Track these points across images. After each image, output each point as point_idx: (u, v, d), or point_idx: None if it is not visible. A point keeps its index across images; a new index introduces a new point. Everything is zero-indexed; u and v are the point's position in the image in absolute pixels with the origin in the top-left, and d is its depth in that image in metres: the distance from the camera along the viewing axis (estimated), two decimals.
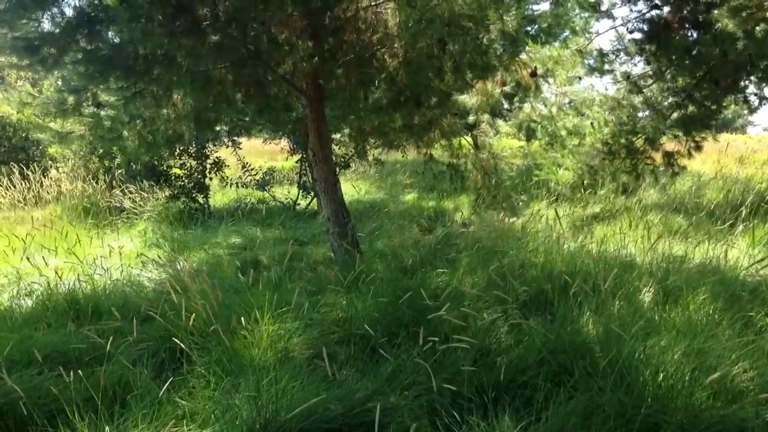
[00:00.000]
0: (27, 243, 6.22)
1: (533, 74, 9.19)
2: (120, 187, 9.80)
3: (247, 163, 11.30)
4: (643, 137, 8.06)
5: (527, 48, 8.09)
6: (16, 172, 10.04)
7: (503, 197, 9.47)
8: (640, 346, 3.38)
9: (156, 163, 10.54)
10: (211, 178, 10.89)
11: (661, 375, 3.10)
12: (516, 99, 11.98)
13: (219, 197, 12.01)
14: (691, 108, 7.86)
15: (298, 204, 11.14)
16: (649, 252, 5.39)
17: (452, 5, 4.85)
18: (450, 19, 4.92)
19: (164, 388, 3.10)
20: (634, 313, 3.90)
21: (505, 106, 12.44)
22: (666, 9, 7.69)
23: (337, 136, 10.67)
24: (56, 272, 5.05)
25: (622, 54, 8.25)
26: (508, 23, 5.37)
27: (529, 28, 5.96)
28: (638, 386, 3.02)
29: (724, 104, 8.13)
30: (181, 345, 3.49)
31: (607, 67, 8.44)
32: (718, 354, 3.28)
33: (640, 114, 8.32)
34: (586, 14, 8.49)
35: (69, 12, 4.58)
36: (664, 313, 4.03)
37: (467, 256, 5.53)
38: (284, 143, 12.15)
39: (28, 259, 5.66)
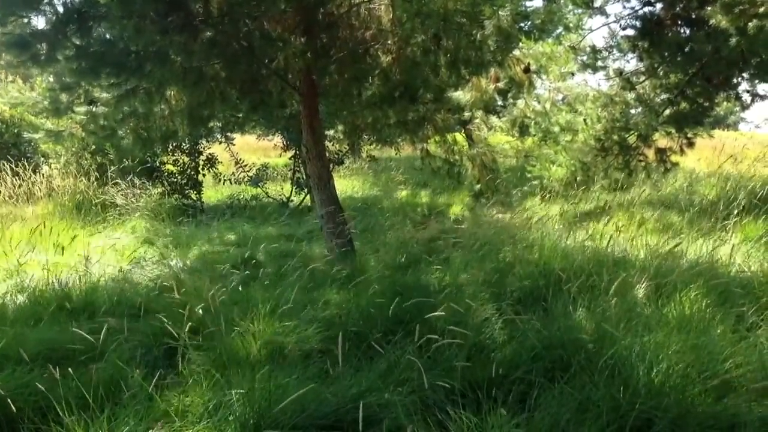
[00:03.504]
0: (19, 239, 6.19)
1: (527, 70, 9.20)
2: (113, 183, 9.75)
3: (240, 159, 11.27)
4: (636, 134, 8.08)
5: (521, 44, 8.10)
6: (8, 169, 9.96)
7: (502, 190, 9.48)
8: (634, 342, 3.39)
9: (149, 159, 10.49)
10: (204, 175, 10.86)
11: (655, 371, 3.11)
12: (510, 95, 11.98)
13: (212, 194, 11.97)
14: (683, 105, 7.89)
15: (292, 200, 11.12)
16: (642, 248, 5.40)
17: (447, 1, 4.85)
18: (445, 14, 4.92)
19: (156, 385, 3.09)
20: (627, 309, 3.91)
21: (499, 102, 12.44)
22: (659, 6, 7.71)
23: (331, 132, 10.66)
24: (49, 269, 5.03)
25: (615, 50, 8.27)
26: (502, 19, 5.37)
27: (522, 25, 5.96)
28: (632, 382, 3.02)
29: (717, 101, 8.16)
30: (175, 342, 3.47)
31: (600, 63, 8.46)
32: (711, 350, 3.29)
33: (632, 110, 8.34)
34: (579, 11, 8.52)
35: (60, 8, 4.55)
36: (657, 309, 4.04)
37: (461, 253, 5.53)
38: (278, 140, 12.13)
39: (20, 255, 5.63)
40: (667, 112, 7.90)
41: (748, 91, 8.31)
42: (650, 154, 8.30)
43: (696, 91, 7.77)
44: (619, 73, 8.31)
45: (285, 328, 3.87)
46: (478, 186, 9.86)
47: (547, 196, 8.89)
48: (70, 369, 3.07)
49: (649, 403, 2.88)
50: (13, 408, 2.83)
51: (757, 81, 8.11)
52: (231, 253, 6.67)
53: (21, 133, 11.92)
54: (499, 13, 5.38)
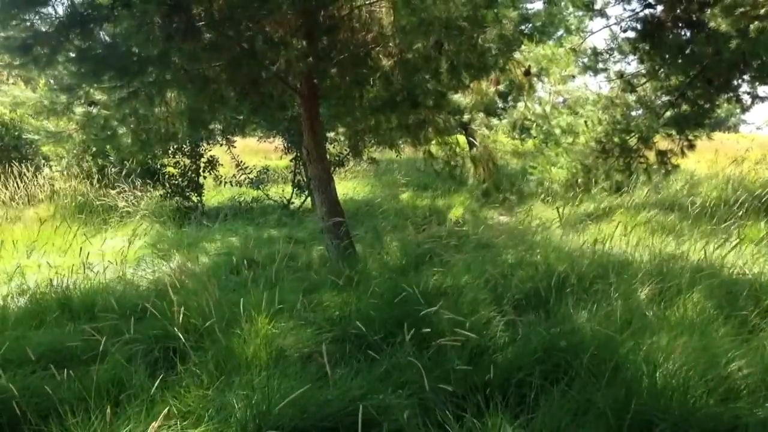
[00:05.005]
0: (20, 241, 6.19)
1: (527, 73, 9.22)
2: (114, 186, 9.75)
3: (241, 161, 11.28)
4: (637, 136, 8.08)
5: (522, 46, 8.10)
6: (9, 171, 9.97)
7: (508, 187, 9.48)
8: (636, 344, 3.38)
9: (150, 161, 10.50)
10: (205, 177, 10.86)
11: (657, 373, 3.10)
12: (510, 98, 12.00)
13: (213, 196, 11.98)
14: (684, 107, 7.90)
15: (293, 203, 11.12)
16: (644, 250, 5.40)
17: (449, 6, 4.84)
18: (447, 20, 4.91)
19: (157, 386, 3.09)
20: (629, 312, 3.90)
21: (500, 105, 12.45)
22: (659, 8, 7.72)
23: (332, 134, 10.65)
24: (50, 271, 5.03)
25: (615, 53, 8.28)
26: (504, 25, 5.36)
27: (523, 27, 5.93)
28: (633, 384, 3.02)
29: (717, 103, 8.17)
30: (176, 344, 3.47)
31: (600, 65, 8.47)
32: (714, 352, 3.29)
33: (633, 113, 8.35)
34: (580, 13, 8.51)
35: (62, 11, 4.55)
36: (659, 311, 4.04)
37: (463, 255, 5.52)
38: (278, 142, 12.12)
39: (21, 257, 5.63)
40: (668, 114, 7.91)
41: (748, 93, 8.33)
42: (651, 156, 8.30)
43: (697, 93, 7.78)
44: (620, 75, 8.31)
45: (285, 329, 3.87)
46: (484, 186, 9.87)
47: (548, 198, 8.89)
48: (71, 371, 3.08)
49: (651, 406, 2.88)
50: (17, 410, 2.83)
51: (757, 83, 8.12)
52: (232, 254, 6.67)
53: (22, 135, 11.92)
54: (502, 21, 5.37)
